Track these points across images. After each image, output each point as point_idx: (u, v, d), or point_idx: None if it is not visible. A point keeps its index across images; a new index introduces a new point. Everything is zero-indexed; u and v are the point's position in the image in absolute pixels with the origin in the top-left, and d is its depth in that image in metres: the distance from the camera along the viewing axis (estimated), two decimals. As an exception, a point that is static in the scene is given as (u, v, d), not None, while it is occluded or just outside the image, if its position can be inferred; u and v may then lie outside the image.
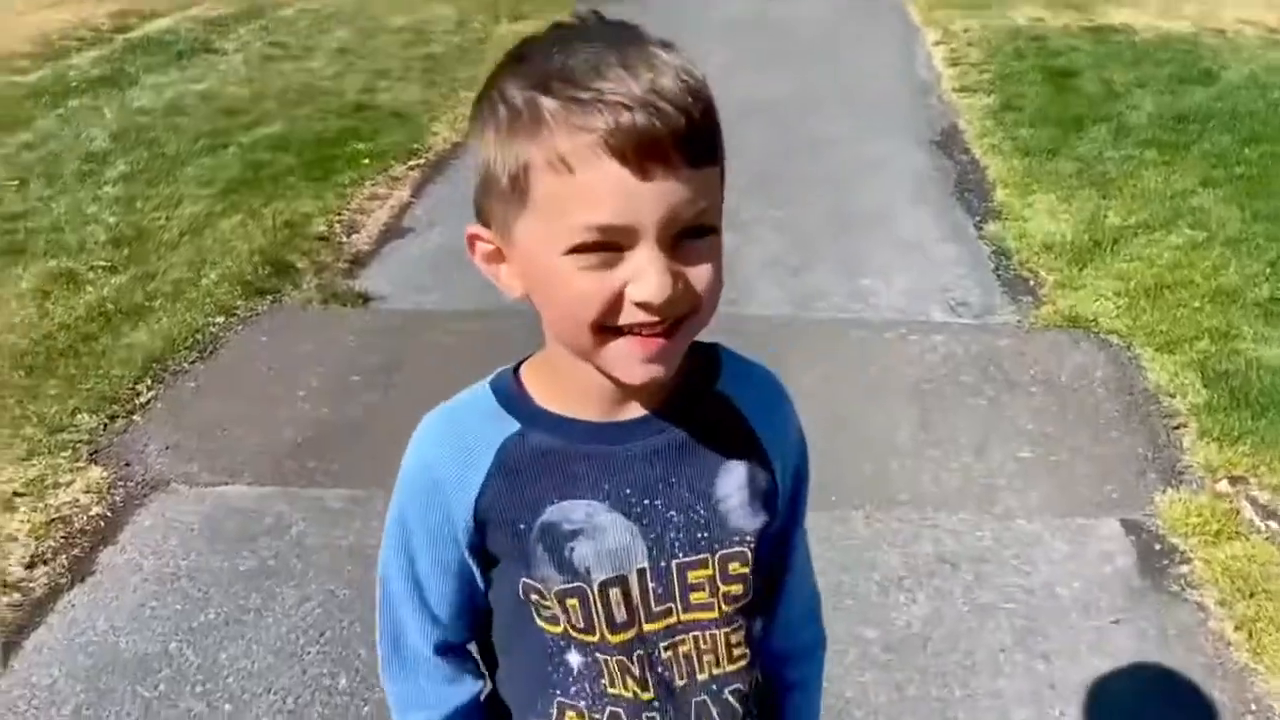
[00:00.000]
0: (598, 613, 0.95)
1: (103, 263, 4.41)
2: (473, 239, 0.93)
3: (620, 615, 0.95)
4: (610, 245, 0.82)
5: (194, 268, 4.41)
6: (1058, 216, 4.81)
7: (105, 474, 3.07)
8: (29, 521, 2.84)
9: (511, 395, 0.97)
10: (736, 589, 0.98)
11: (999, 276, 4.36)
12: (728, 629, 0.99)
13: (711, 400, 0.99)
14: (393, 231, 4.88)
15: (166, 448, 3.23)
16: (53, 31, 8.94)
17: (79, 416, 3.33)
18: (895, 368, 3.65)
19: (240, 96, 6.85)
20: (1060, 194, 5.05)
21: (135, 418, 3.39)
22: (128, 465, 3.14)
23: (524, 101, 0.83)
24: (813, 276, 4.32)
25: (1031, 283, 4.29)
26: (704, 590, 0.96)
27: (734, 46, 8.16)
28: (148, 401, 3.48)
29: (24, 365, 3.60)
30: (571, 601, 0.95)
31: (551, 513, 0.94)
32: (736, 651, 1.00)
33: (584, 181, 0.81)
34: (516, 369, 1.00)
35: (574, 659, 0.97)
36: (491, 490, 0.94)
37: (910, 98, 6.86)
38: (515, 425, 0.95)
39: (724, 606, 0.98)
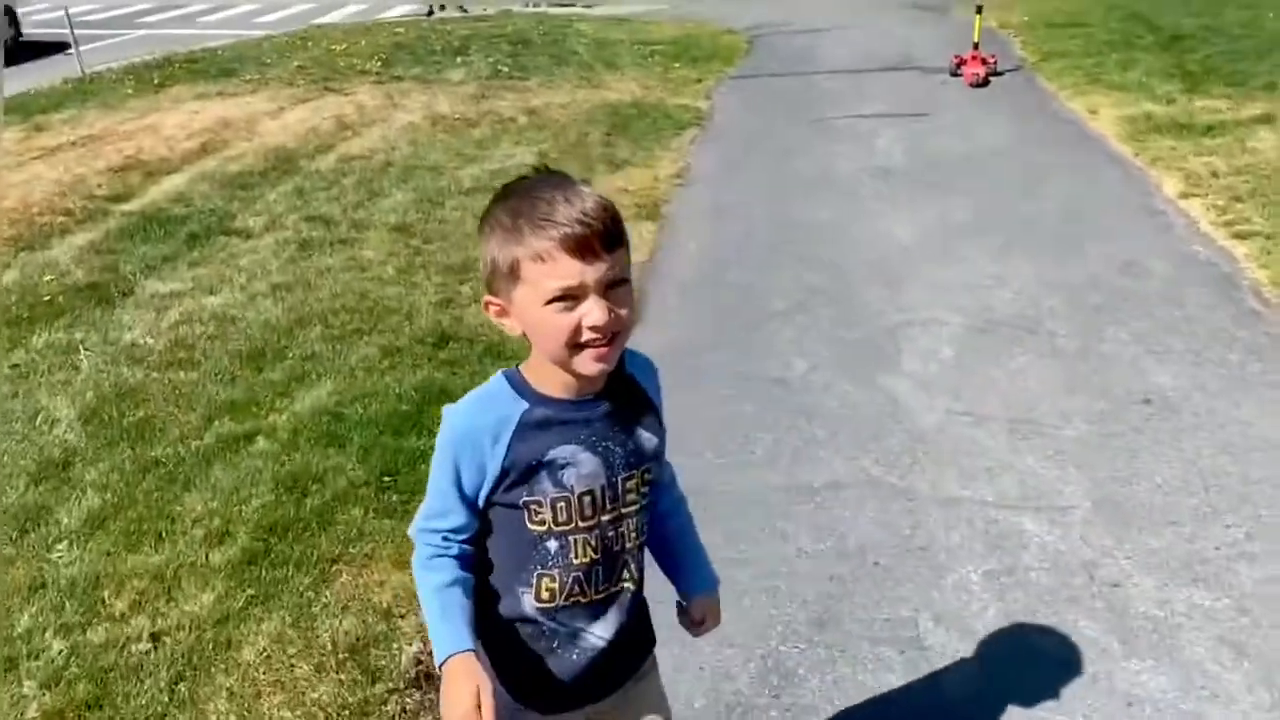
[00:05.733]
0: (575, 511, 1.53)
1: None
2: (488, 304, 1.53)
3: (588, 512, 1.54)
4: (570, 297, 1.42)
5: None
6: None
7: None
8: None
9: (519, 385, 1.54)
10: (647, 489, 1.62)
11: None
12: (642, 514, 1.62)
13: (625, 380, 1.59)
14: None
15: None
16: (36, 201, 7.09)
17: None
18: None
19: (270, 325, 4.88)
20: None
21: None
22: None
23: (511, 224, 1.44)
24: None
25: None
26: (634, 492, 1.59)
27: (909, 215, 6.17)
28: None
29: None
30: (560, 505, 1.52)
31: (551, 454, 1.51)
32: (645, 528, 1.65)
33: (552, 266, 1.41)
34: (517, 370, 1.56)
35: (552, 545, 1.54)
36: (515, 447, 1.50)
37: (1215, 303, 4.77)
38: (525, 404, 1.52)
39: (641, 501, 1.61)
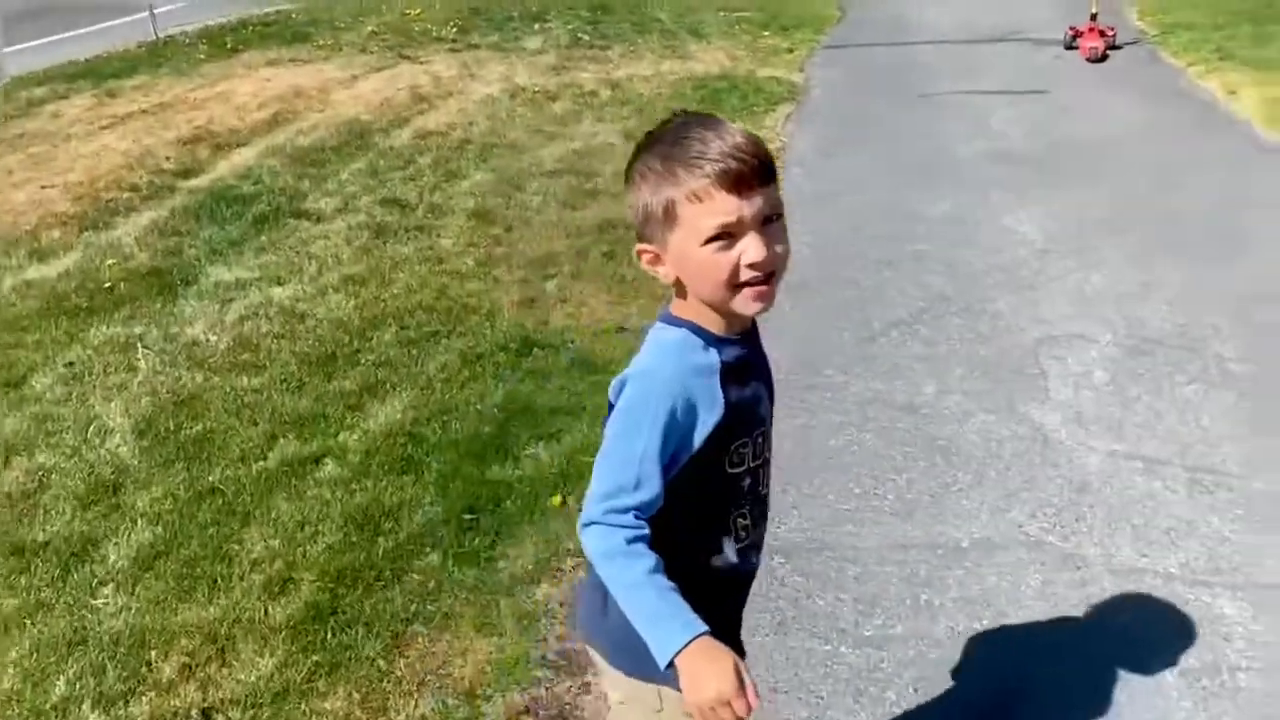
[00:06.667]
0: (763, 445, 1.57)
1: None
2: (641, 252, 1.51)
3: (759, 446, 1.56)
4: (727, 235, 1.40)
5: None
6: None
7: None
8: None
9: (699, 332, 1.48)
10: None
11: None
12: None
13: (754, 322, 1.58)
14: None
15: None
16: (102, 175, 6.80)
17: None
18: None
19: (342, 324, 4.49)
20: None
21: None
22: None
23: (663, 167, 1.43)
24: None
25: None
26: (772, 429, 1.60)
27: (1037, 208, 5.56)
28: None
29: None
30: (759, 439, 1.56)
31: (749, 392, 1.52)
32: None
33: (709, 204, 1.39)
34: (676, 317, 1.51)
35: (746, 482, 1.56)
36: (729, 391, 1.47)
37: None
38: (715, 351, 1.48)
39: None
